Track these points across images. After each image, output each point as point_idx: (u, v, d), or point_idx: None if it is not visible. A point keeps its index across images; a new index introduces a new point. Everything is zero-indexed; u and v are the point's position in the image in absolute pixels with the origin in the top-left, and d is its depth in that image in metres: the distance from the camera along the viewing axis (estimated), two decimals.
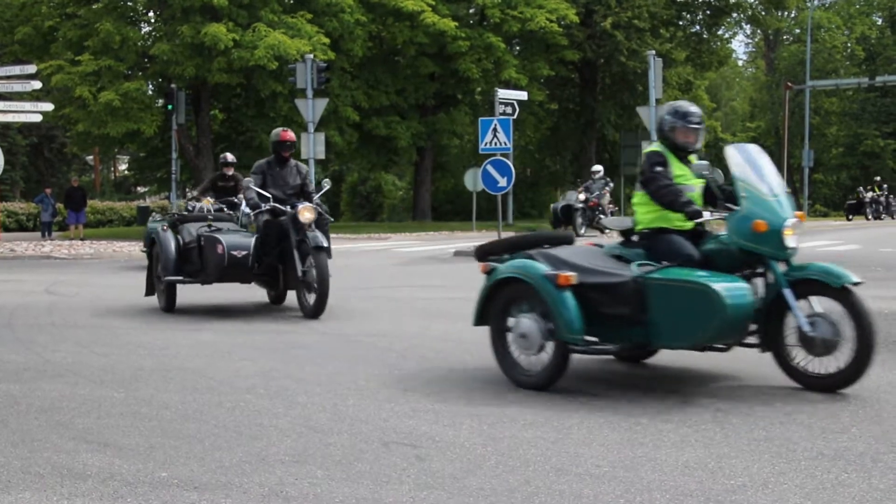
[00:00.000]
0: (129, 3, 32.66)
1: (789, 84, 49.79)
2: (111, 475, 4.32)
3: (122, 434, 5.04)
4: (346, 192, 54.55)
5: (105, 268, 17.75)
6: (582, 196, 24.97)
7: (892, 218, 41.92)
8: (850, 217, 41.49)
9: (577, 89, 41.96)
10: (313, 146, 27.35)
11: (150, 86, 33.86)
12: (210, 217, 10.90)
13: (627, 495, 3.98)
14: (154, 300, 10.70)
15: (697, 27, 42.93)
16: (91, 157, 57.26)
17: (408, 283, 13.77)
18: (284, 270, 9.88)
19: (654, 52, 30.97)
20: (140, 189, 56.95)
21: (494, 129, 21.25)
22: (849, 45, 59.77)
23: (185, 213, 11.68)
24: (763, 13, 44.23)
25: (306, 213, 9.59)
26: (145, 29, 33.88)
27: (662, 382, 6.25)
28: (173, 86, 29.26)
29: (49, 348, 7.89)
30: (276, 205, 9.86)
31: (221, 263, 9.64)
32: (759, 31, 62.84)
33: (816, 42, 55.74)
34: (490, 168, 20.20)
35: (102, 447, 4.78)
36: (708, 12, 42.03)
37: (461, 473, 4.30)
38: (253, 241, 9.83)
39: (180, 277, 10.08)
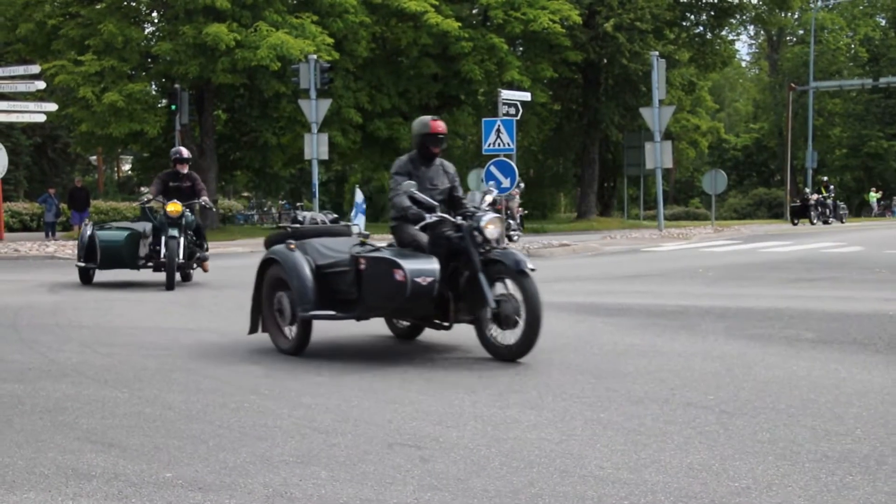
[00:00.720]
0: (133, 4, 32.67)
1: (793, 85, 49.79)
2: (116, 475, 4.32)
3: (126, 434, 5.04)
4: (349, 192, 54.58)
5: None
6: (488, 198, 23.40)
7: (842, 222, 38.93)
8: (795, 221, 38.42)
9: (580, 90, 41.95)
10: (316, 147, 27.38)
11: (154, 86, 33.88)
12: (327, 227, 8.65)
13: (632, 497, 3.98)
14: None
15: (701, 28, 42.89)
16: (94, 157, 57.31)
17: None
18: (455, 299, 7.56)
19: (657, 53, 30.97)
20: (143, 189, 57.00)
21: (498, 130, 21.27)
22: (852, 46, 59.78)
23: (296, 223, 8.84)
24: (767, 14, 44.16)
25: (493, 226, 7.51)
26: (148, 29, 33.90)
27: (666, 384, 6.25)
28: (177, 86, 29.29)
29: (53, 348, 7.90)
30: (446, 216, 7.67)
31: (401, 293, 7.02)
32: (762, 32, 62.87)
33: (820, 43, 55.72)
34: (493, 169, 20.21)
35: (107, 447, 4.78)
36: (712, 13, 41.99)
37: (465, 475, 4.30)
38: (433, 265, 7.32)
39: (330, 312, 7.47)
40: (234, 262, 19.09)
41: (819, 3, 58.39)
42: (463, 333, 7.90)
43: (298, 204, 64.20)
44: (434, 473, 4.32)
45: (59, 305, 11.13)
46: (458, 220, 7.54)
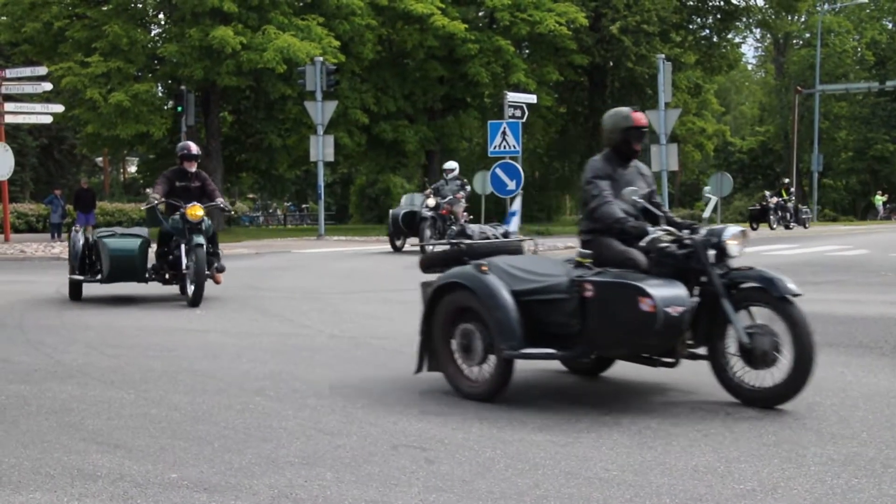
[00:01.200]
0: (139, 6, 32.73)
1: (799, 88, 49.71)
2: (121, 476, 4.33)
3: (132, 435, 5.05)
4: (354, 194, 54.63)
5: None
6: (431, 202, 19.22)
7: (805, 227, 36.36)
8: (755, 226, 34.64)
9: (586, 93, 41.95)
10: (322, 148, 27.41)
11: (160, 88, 33.93)
12: (500, 242, 7.15)
13: (637, 499, 3.98)
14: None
15: (707, 31, 42.85)
16: (100, 158, 57.43)
17: (417, 286, 13.74)
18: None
19: (662, 56, 30.96)
20: (149, 191, 57.06)
21: (503, 133, 21.31)
22: (859, 49, 59.66)
23: (463, 237, 7.50)
24: (773, 17, 44.09)
25: (737, 242, 5.96)
26: (155, 31, 33.96)
27: (672, 387, 6.24)
28: (183, 88, 29.33)
29: (59, 349, 7.91)
30: (671, 228, 6.16)
31: (648, 327, 5.55)
32: (768, 35, 62.75)
33: (826, 46, 55.65)
34: (499, 171, 20.22)
35: (113, 448, 4.79)
36: (718, 16, 41.95)
37: (470, 476, 4.30)
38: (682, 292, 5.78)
39: (548, 350, 5.90)
40: (241, 263, 19.10)
41: (826, 7, 58.28)
42: None
43: (304, 206, 64.30)
44: (439, 475, 4.32)
45: (65, 306, 11.14)
46: (686, 232, 6.04)
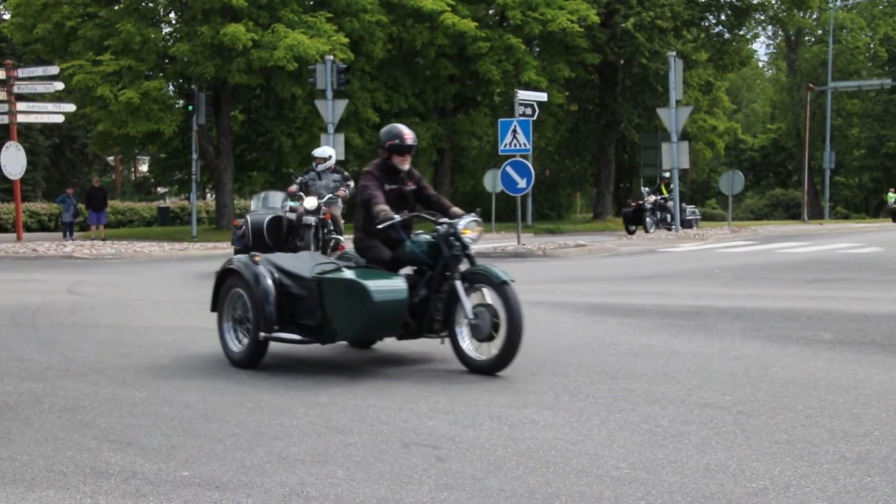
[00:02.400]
0: (150, 5, 32.83)
1: (811, 85, 49.52)
2: (133, 474, 4.34)
3: (144, 433, 5.06)
4: None
5: (126, 268, 17.86)
6: (311, 203, 14.08)
7: (691, 227, 30.69)
8: (632, 228, 28.86)
9: (597, 90, 41.90)
10: (333, 147, 27.39)
11: (171, 86, 34.02)
12: None
13: (648, 497, 3.97)
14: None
15: (720, 28, 42.74)
16: (112, 157, 57.61)
17: None
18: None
19: (674, 53, 30.89)
20: (160, 190, 57.25)
21: (514, 131, 21.27)
22: (872, 46, 59.39)
23: None
24: (785, 13, 43.94)
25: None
26: (166, 30, 34.05)
27: (683, 385, 6.23)
28: (194, 87, 29.41)
29: (71, 348, 7.94)
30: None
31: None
32: (780, 32, 62.54)
33: (839, 43, 55.44)
34: (509, 169, 20.20)
35: (125, 446, 4.81)
36: (730, 13, 41.85)
37: (481, 474, 4.30)
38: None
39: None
40: None
41: (838, 3, 58.04)
42: None
43: None
44: (450, 473, 4.32)
45: (77, 305, 11.18)
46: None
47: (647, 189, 30.15)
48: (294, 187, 14.57)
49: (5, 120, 25.27)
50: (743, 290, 12.22)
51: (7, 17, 37.53)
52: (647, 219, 28.66)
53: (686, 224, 30.34)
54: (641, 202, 29.18)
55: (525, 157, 21.70)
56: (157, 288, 13.60)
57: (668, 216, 29.44)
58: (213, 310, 7.43)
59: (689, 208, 32.51)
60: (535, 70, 34.30)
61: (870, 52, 59.82)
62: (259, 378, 6.57)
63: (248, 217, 14.59)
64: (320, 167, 14.73)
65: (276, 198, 15.13)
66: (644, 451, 4.65)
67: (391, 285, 6.61)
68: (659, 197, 29.57)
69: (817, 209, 52.19)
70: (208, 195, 54.39)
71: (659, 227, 29.06)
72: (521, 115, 24.27)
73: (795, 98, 58.61)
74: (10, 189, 31.77)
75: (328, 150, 15.21)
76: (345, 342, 7.45)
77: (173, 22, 34.37)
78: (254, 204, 15.76)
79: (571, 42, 35.05)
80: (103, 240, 28.18)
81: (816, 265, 15.81)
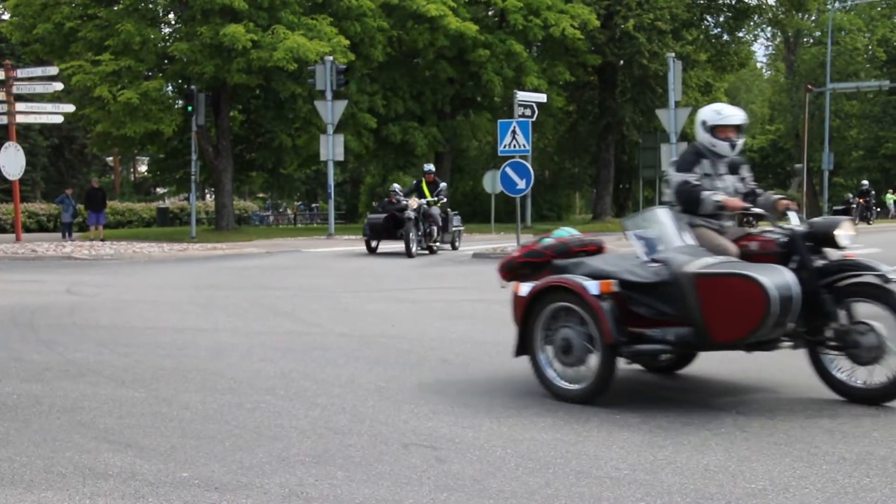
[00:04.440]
0: (150, 6, 32.81)
1: (809, 87, 49.51)
2: (133, 475, 4.34)
3: (143, 434, 5.06)
4: (364, 193, 54.63)
5: (125, 268, 17.86)
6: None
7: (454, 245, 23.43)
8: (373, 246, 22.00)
9: (596, 91, 41.92)
10: (332, 148, 27.44)
11: (170, 87, 34.00)
12: None
13: (648, 498, 3.97)
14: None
15: (719, 30, 42.77)
16: (111, 158, 57.61)
17: (427, 286, 13.77)
18: None
19: (673, 54, 30.92)
20: (160, 190, 57.28)
21: (513, 132, 21.26)
22: (870, 47, 59.39)
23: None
24: (784, 15, 43.97)
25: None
26: (166, 30, 34.03)
27: (683, 386, 6.23)
28: (193, 87, 29.39)
29: (70, 348, 7.94)
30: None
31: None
32: (779, 33, 62.52)
33: (837, 44, 55.42)
34: (509, 170, 20.19)
35: (124, 447, 4.80)
36: (730, 14, 41.87)
37: (481, 475, 4.30)
38: None
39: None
40: (251, 262, 19.15)
41: (836, 5, 58.03)
42: (486, 335, 7.88)
43: (314, 205, 64.35)
44: (450, 474, 4.32)
45: (77, 305, 11.18)
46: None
47: (396, 187, 25.53)
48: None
49: (4, 120, 25.27)
50: None
51: (6, 17, 37.48)
52: (412, 231, 26.09)
53: (447, 242, 27.89)
54: (403, 209, 25.91)
55: (524, 158, 21.69)
56: (156, 288, 13.59)
57: (435, 229, 26.58)
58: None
59: (450, 213, 30.59)
60: (536, 74, 34.38)
61: (868, 53, 59.82)
62: (258, 379, 6.57)
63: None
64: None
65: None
66: (643, 451, 4.65)
67: None
68: (424, 202, 26.64)
69: (816, 210, 52.18)
70: (207, 196, 54.43)
71: (422, 243, 25.87)
72: (520, 116, 24.28)
73: (794, 99, 58.59)
74: (9, 189, 31.73)
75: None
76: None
77: (173, 22, 34.36)
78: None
79: (571, 44, 35.08)
80: (102, 240, 28.16)
81: None
